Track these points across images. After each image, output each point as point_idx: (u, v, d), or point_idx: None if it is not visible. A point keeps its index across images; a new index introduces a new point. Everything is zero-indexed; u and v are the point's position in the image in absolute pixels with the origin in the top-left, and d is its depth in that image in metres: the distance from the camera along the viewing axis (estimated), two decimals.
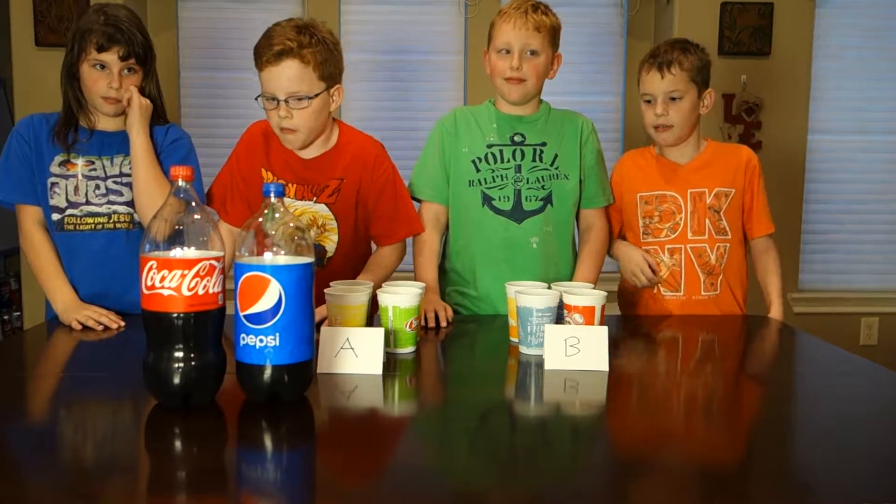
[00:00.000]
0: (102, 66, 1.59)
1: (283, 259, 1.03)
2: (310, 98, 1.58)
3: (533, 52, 1.72)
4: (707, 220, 1.79)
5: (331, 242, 1.71)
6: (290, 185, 1.69)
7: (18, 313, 3.81)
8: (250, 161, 1.71)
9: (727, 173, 1.81)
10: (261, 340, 1.02)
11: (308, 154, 1.70)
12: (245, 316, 1.02)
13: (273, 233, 1.04)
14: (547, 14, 1.74)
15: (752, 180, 1.82)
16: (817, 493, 0.83)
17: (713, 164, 1.82)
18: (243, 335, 1.03)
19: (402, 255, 1.81)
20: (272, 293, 1.01)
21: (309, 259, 1.05)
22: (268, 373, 1.03)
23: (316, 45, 1.57)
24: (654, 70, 1.76)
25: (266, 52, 1.55)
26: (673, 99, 1.76)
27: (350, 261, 1.74)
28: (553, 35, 1.75)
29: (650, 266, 1.78)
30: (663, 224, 1.81)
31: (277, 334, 1.02)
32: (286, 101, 1.57)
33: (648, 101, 1.80)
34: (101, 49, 1.58)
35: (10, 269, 4.08)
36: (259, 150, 1.71)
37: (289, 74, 1.55)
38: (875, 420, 1.09)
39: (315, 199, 1.69)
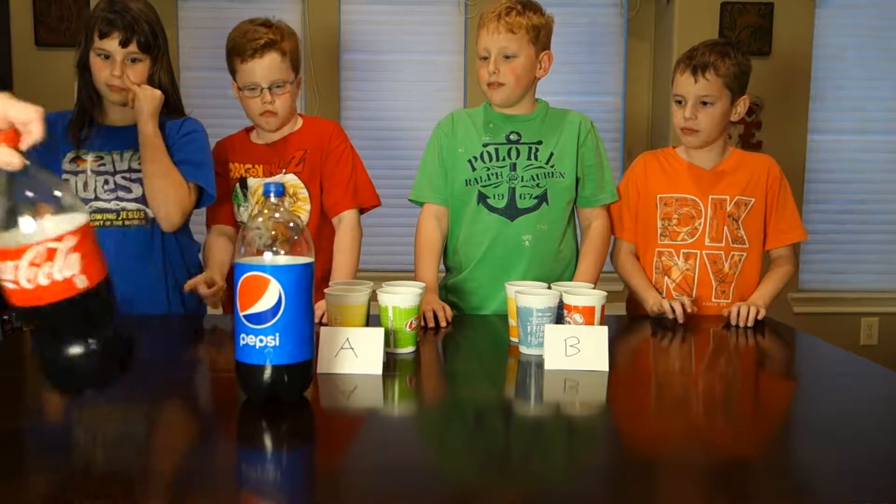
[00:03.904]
0: (106, 56, 1.59)
1: (283, 259, 1.03)
2: (288, 84, 1.76)
3: (509, 55, 1.72)
4: (725, 228, 1.77)
5: (304, 212, 1.80)
6: (254, 165, 1.81)
7: None
8: (217, 159, 1.81)
9: (749, 182, 1.79)
10: (261, 340, 1.02)
11: (271, 138, 1.82)
12: (245, 316, 1.02)
13: (273, 232, 1.04)
14: (523, 13, 1.72)
15: (771, 190, 1.80)
16: (817, 493, 0.83)
17: (736, 172, 1.80)
18: (243, 335, 1.03)
19: (359, 236, 1.84)
20: (272, 293, 1.01)
21: (309, 259, 1.05)
22: (268, 373, 1.02)
23: (289, 39, 1.75)
24: (689, 72, 1.73)
25: (249, 46, 1.71)
26: (704, 103, 1.73)
27: (325, 232, 1.82)
28: (534, 34, 1.73)
29: (666, 307, 1.70)
30: (681, 227, 1.79)
31: (277, 334, 1.01)
32: (269, 88, 1.73)
33: (679, 102, 1.77)
34: (102, 35, 1.58)
35: None
36: (225, 151, 1.86)
37: (270, 65, 1.72)
38: (875, 419, 1.09)
39: (284, 171, 1.80)
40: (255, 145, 1.85)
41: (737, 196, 1.78)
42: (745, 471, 0.89)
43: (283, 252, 1.03)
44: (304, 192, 1.80)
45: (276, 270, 1.01)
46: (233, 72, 1.78)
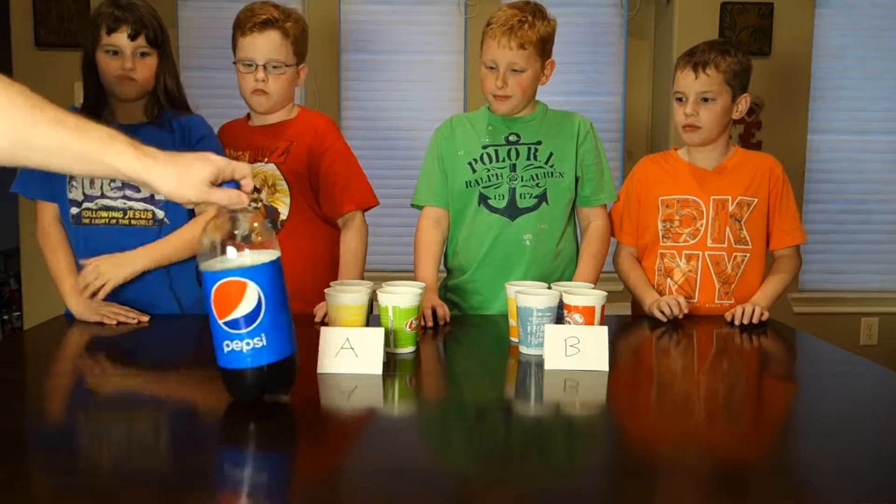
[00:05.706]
0: (115, 52, 1.59)
1: (255, 258, 1.00)
2: (286, 66, 1.75)
3: (518, 70, 1.72)
4: (728, 229, 1.76)
5: (283, 205, 1.80)
6: (243, 152, 1.81)
7: (18, 313, 3.81)
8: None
9: (752, 182, 1.78)
10: (247, 344, 1.00)
11: (265, 121, 1.82)
12: (226, 322, 1.00)
13: (237, 231, 1.00)
14: (534, 26, 1.70)
15: (774, 189, 1.78)
16: (817, 492, 0.83)
17: (738, 172, 1.79)
18: (227, 342, 1.01)
19: (365, 235, 1.85)
20: (250, 296, 0.99)
21: (276, 252, 1.03)
22: (254, 375, 1.01)
23: (295, 23, 1.76)
24: (689, 69, 1.72)
25: (250, 20, 1.72)
26: (705, 100, 1.72)
27: (307, 229, 1.81)
28: (542, 46, 1.72)
29: (664, 306, 1.69)
30: (683, 229, 1.78)
31: (263, 335, 1.00)
32: (264, 66, 1.73)
33: (680, 100, 1.76)
34: (110, 31, 1.58)
35: (10, 269, 4.08)
36: (225, 135, 1.86)
37: (270, 43, 1.73)
38: (875, 419, 1.09)
39: (266, 160, 1.80)
40: (249, 129, 1.85)
41: (739, 196, 1.77)
42: (745, 470, 0.89)
43: (253, 252, 1.00)
44: (283, 185, 1.79)
45: (249, 272, 0.99)
46: (234, 49, 1.77)
